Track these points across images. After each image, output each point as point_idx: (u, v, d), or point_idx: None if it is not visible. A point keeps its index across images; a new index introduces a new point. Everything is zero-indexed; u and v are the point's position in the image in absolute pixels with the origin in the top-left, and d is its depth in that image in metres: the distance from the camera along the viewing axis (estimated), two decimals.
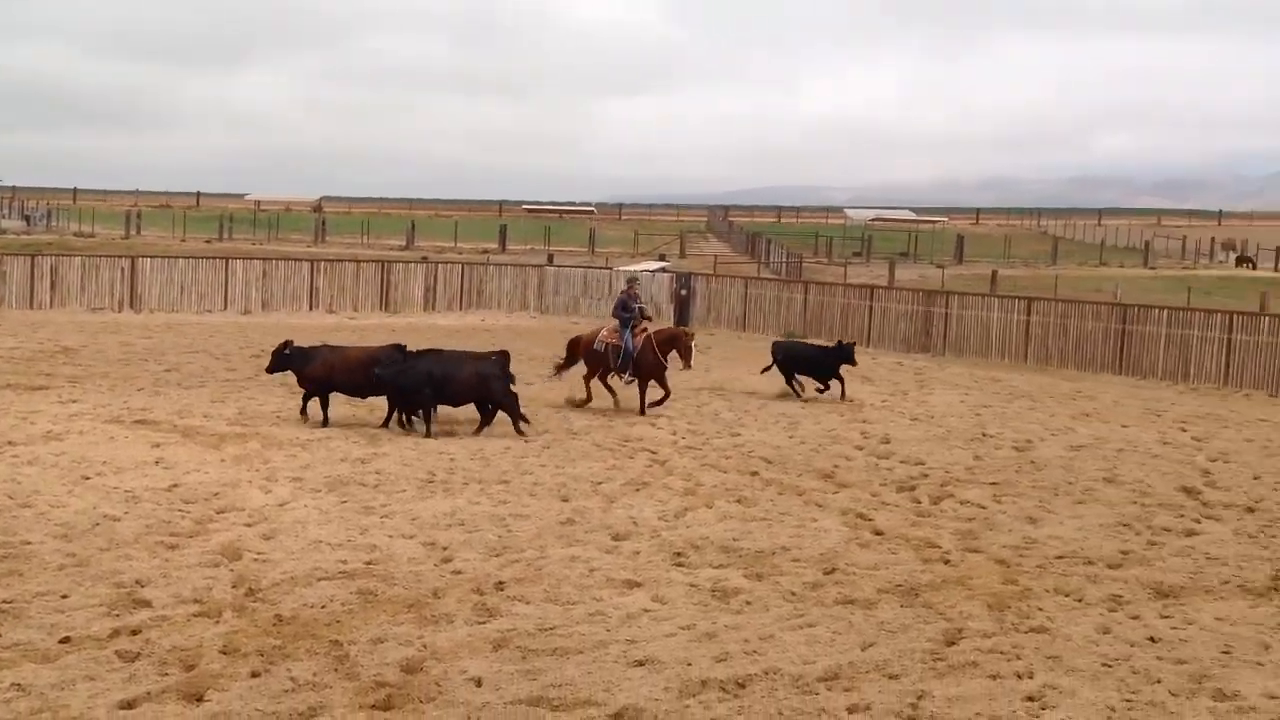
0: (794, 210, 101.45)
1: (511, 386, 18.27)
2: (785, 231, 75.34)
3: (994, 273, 45.71)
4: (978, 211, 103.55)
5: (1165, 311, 28.88)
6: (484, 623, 9.70)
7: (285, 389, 19.42)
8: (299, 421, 18.02)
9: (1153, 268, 63.18)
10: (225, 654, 8.85)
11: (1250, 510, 14.41)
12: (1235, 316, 27.56)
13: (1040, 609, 10.42)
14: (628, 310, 20.75)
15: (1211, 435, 19.83)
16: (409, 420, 17.90)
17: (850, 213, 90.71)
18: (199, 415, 18.52)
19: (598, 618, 9.91)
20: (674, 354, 20.17)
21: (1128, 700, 8.39)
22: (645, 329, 20.46)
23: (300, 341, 19.49)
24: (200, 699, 8.08)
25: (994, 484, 15.44)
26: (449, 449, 16.59)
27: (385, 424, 17.74)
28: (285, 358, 18.62)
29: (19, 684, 8.16)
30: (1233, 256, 68.83)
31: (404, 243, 65.18)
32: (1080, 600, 10.72)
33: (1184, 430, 20.28)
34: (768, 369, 22.98)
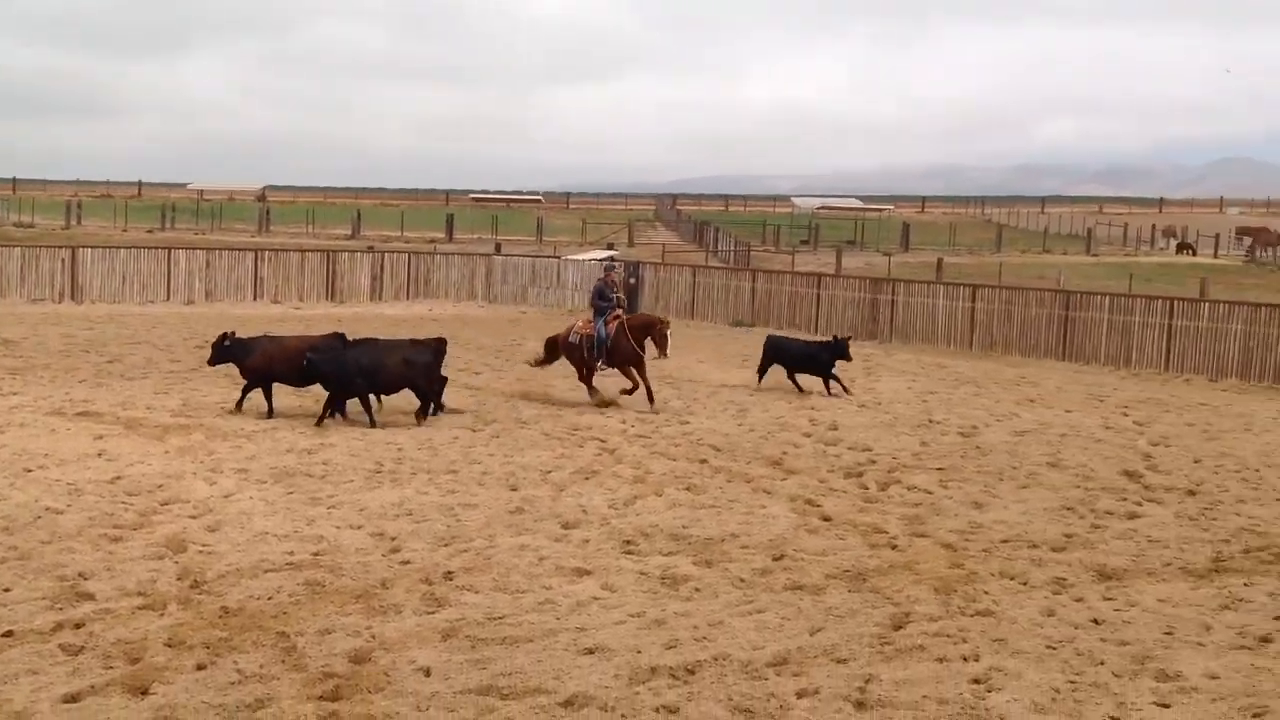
0: (741, 199, 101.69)
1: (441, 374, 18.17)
2: (733, 220, 75.49)
3: (939, 260, 46.01)
4: (923, 200, 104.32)
5: (1107, 298, 29.25)
6: (433, 612, 9.67)
7: (229, 380, 19.23)
8: (245, 414, 17.85)
9: (1095, 255, 63.90)
10: (170, 646, 8.77)
11: (1191, 493, 14.63)
12: (1176, 302, 27.94)
13: (986, 592, 10.53)
14: (605, 299, 20.29)
15: (1153, 420, 20.11)
16: (343, 410, 17.70)
17: (797, 201, 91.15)
18: (142, 407, 18.32)
19: (547, 606, 9.90)
20: (649, 342, 19.75)
21: (1072, 682, 8.49)
22: (619, 316, 20.01)
23: (245, 332, 19.33)
24: (145, 692, 8.00)
25: (940, 469, 15.57)
26: (397, 439, 16.50)
27: (319, 421, 17.29)
28: (225, 349, 18.44)
29: None
30: (1173, 243, 69.71)
31: (350, 232, 64.70)
32: (1025, 583, 10.84)
33: (1126, 415, 20.55)
34: (768, 365, 22.41)
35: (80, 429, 16.45)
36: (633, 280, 37.90)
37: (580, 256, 43.89)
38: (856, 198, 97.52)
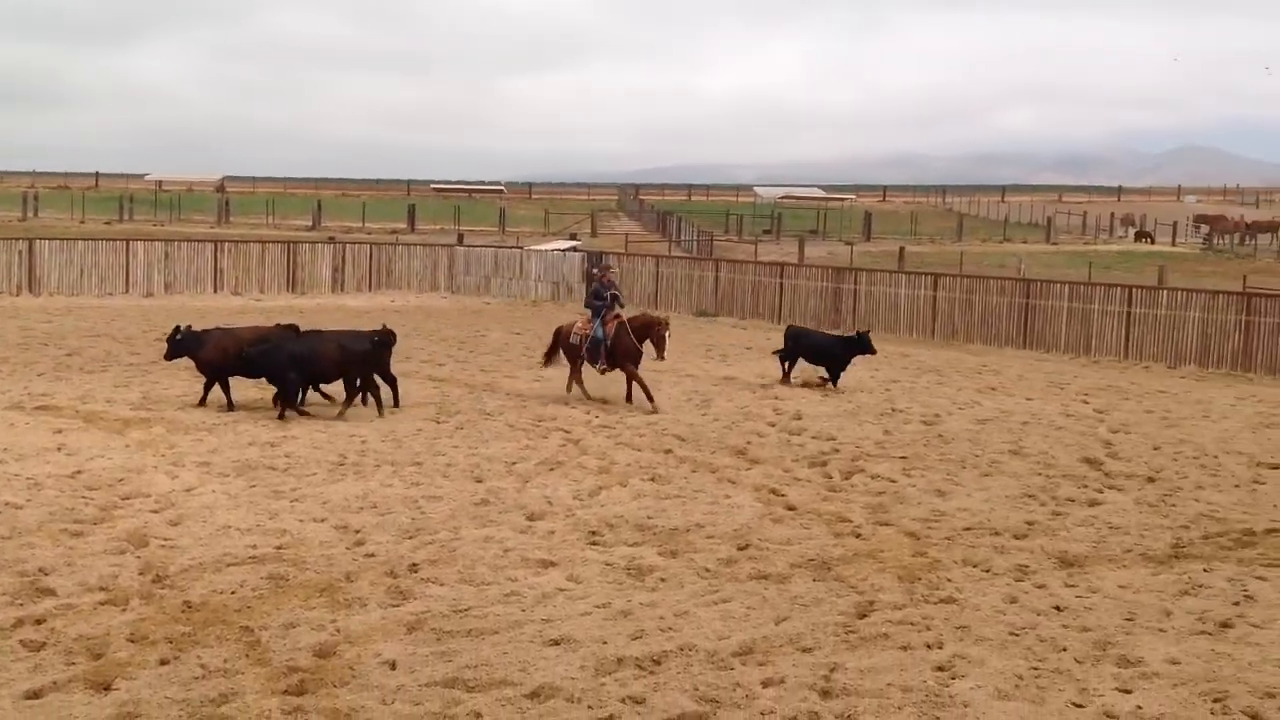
0: (704, 188, 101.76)
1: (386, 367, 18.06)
2: (696, 210, 75.58)
3: (901, 249, 46.25)
4: (884, 189, 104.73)
5: (1067, 286, 29.45)
6: (398, 605, 9.64)
7: (190, 373, 19.08)
8: (207, 407, 17.73)
9: (1054, 243, 64.41)
10: (133, 642, 8.70)
11: (1151, 480, 14.77)
12: (1134, 290, 28.17)
13: (949, 580, 10.60)
14: (600, 299, 19.76)
15: (1113, 407, 20.28)
16: (297, 402, 17.57)
17: (760, 191, 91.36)
18: (102, 400, 18.16)
19: (513, 598, 9.89)
20: (647, 343, 19.18)
21: (1034, 668, 8.57)
22: (618, 315, 19.50)
23: (206, 325, 19.19)
24: (108, 688, 7.93)
25: (903, 458, 15.65)
26: (360, 431, 16.43)
27: (281, 415, 17.20)
28: (179, 343, 18.31)
29: None
30: (1132, 231, 70.37)
31: (310, 223, 64.31)
32: (988, 571, 10.92)
33: (1086, 402, 20.72)
34: (780, 351, 22.20)
35: (39, 423, 16.28)
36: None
37: (543, 247, 43.80)
38: (819, 187, 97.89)
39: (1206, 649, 9.02)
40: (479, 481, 13.85)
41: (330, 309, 33.22)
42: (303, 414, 17.30)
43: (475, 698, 7.92)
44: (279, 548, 11.07)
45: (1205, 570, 11.07)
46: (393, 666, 8.37)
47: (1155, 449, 16.64)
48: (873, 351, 21.63)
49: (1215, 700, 8.08)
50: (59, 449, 14.77)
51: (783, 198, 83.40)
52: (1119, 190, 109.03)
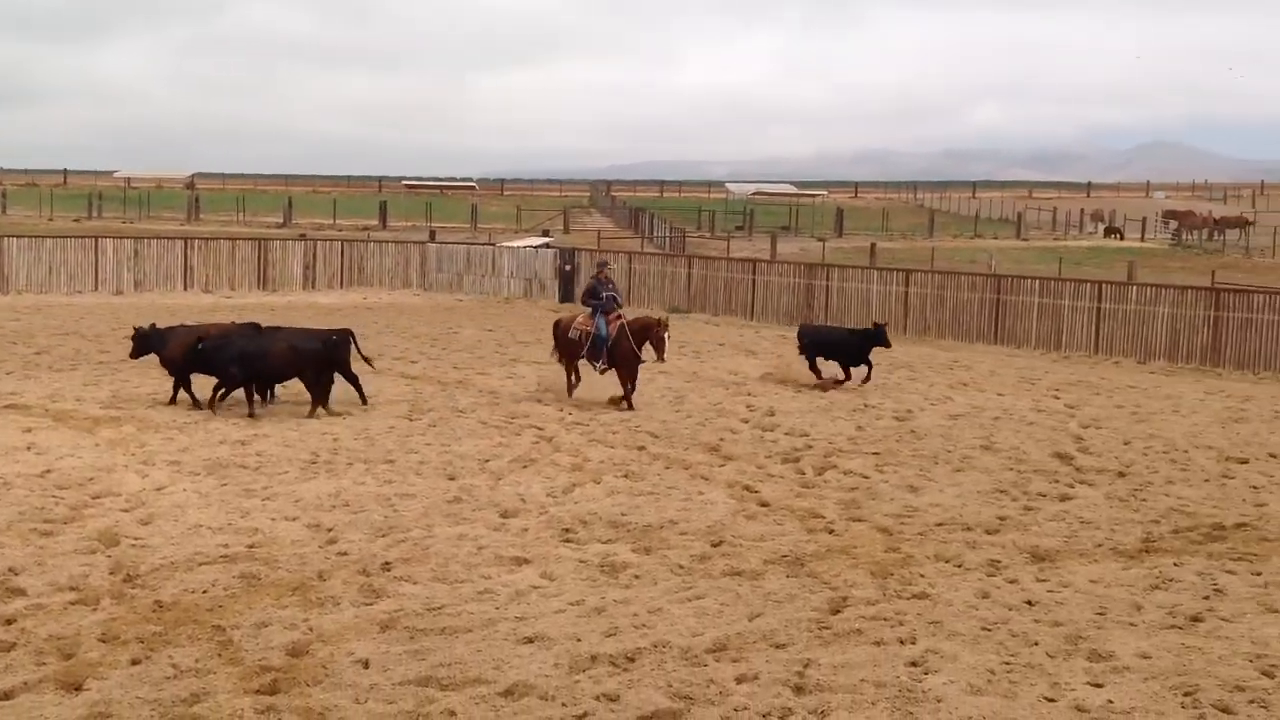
0: (676, 185, 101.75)
1: (347, 365, 17.95)
2: (668, 206, 75.54)
3: (873, 245, 46.33)
4: (856, 185, 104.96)
5: (1037, 282, 29.61)
6: (371, 604, 9.61)
7: (160, 371, 18.95)
8: (177, 406, 17.64)
9: (1025, 239, 64.68)
10: (104, 642, 8.65)
11: (1121, 475, 14.86)
12: (1104, 286, 28.34)
13: (922, 575, 10.64)
14: (596, 297, 19.48)
15: (1083, 402, 20.40)
16: (233, 396, 17.45)
17: (732, 187, 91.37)
18: (71, 399, 18.03)
19: (486, 596, 9.88)
20: (646, 346, 18.84)
21: (1007, 663, 8.61)
22: (620, 316, 19.24)
23: (180, 323, 19.09)
24: (79, 688, 7.89)
25: (876, 454, 15.70)
26: (332, 429, 16.36)
27: (251, 413, 17.10)
28: (144, 340, 18.20)
29: None
30: (1101, 227, 70.72)
31: (281, 220, 63.98)
32: (960, 566, 10.97)
33: (1057, 398, 20.83)
34: (807, 355, 21.62)
35: (8, 422, 16.15)
36: (568, 267, 37.85)
37: (515, 244, 43.72)
38: (791, 183, 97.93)
39: (1177, 643, 9.08)
40: (452, 479, 13.82)
41: (301, 306, 33.06)
42: (243, 406, 17.07)
43: (449, 696, 7.90)
44: (251, 546, 11.02)
45: (1175, 564, 11.16)
46: (366, 665, 8.35)
47: (1125, 444, 16.75)
48: (888, 345, 21.40)
49: (1185, 694, 8.15)
50: (28, 448, 14.66)
51: (755, 194, 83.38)
52: (1089, 186, 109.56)
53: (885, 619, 9.48)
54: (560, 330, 19.86)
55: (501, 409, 18.29)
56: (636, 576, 10.50)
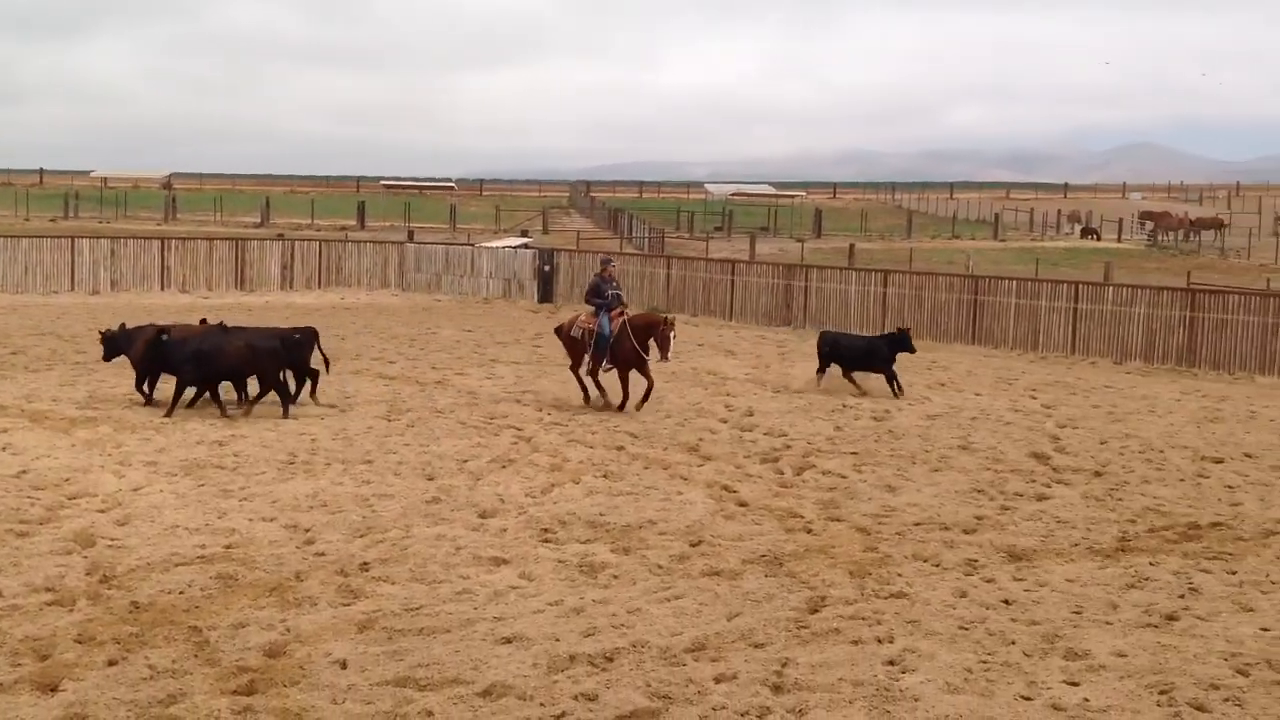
0: (656, 185, 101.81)
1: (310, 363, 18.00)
2: (647, 207, 75.62)
3: (851, 246, 46.46)
4: (835, 186, 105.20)
5: (1015, 283, 29.72)
6: (348, 604, 9.59)
7: (134, 371, 18.85)
8: (154, 406, 17.56)
9: (1002, 240, 64.93)
10: (80, 643, 8.61)
11: (1097, 474, 14.94)
12: (1081, 286, 28.48)
13: (899, 575, 10.68)
14: (600, 295, 18.90)
15: (1060, 402, 20.49)
16: (206, 398, 17.36)
17: (711, 188, 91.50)
18: (47, 399, 17.93)
19: (465, 596, 9.87)
20: (651, 344, 18.32)
21: (984, 661, 8.65)
22: (623, 314, 18.70)
23: (149, 323, 19.01)
24: (55, 689, 7.84)
25: (854, 454, 15.74)
26: (310, 430, 16.31)
27: (223, 412, 16.97)
28: (113, 341, 18.12)
29: None
30: (1078, 228, 71.04)
31: (259, 220, 63.76)
32: (938, 565, 11.01)
33: (1034, 398, 20.91)
34: (826, 364, 21.19)
35: None
36: (547, 268, 37.83)
37: (494, 244, 43.67)
38: (770, 184, 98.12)
39: (1152, 641, 9.14)
40: (430, 479, 13.79)
41: (279, 306, 32.96)
42: (221, 410, 17.04)
43: (427, 696, 7.89)
44: (228, 547, 10.98)
45: (1151, 563, 11.22)
46: (343, 666, 8.33)
47: (1102, 444, 16.83)
48: (913, 350, 21.16)
49: (1161, 692, 8.19)
50: (4, 448, 14.57)
51: (734, 195, 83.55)
52: (1066, 187, 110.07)
53: (863, 618, 9.51)
54: (563, 333, 19.36)
55: (480, 409, 18.27)
56: (615, 576, 10.51)
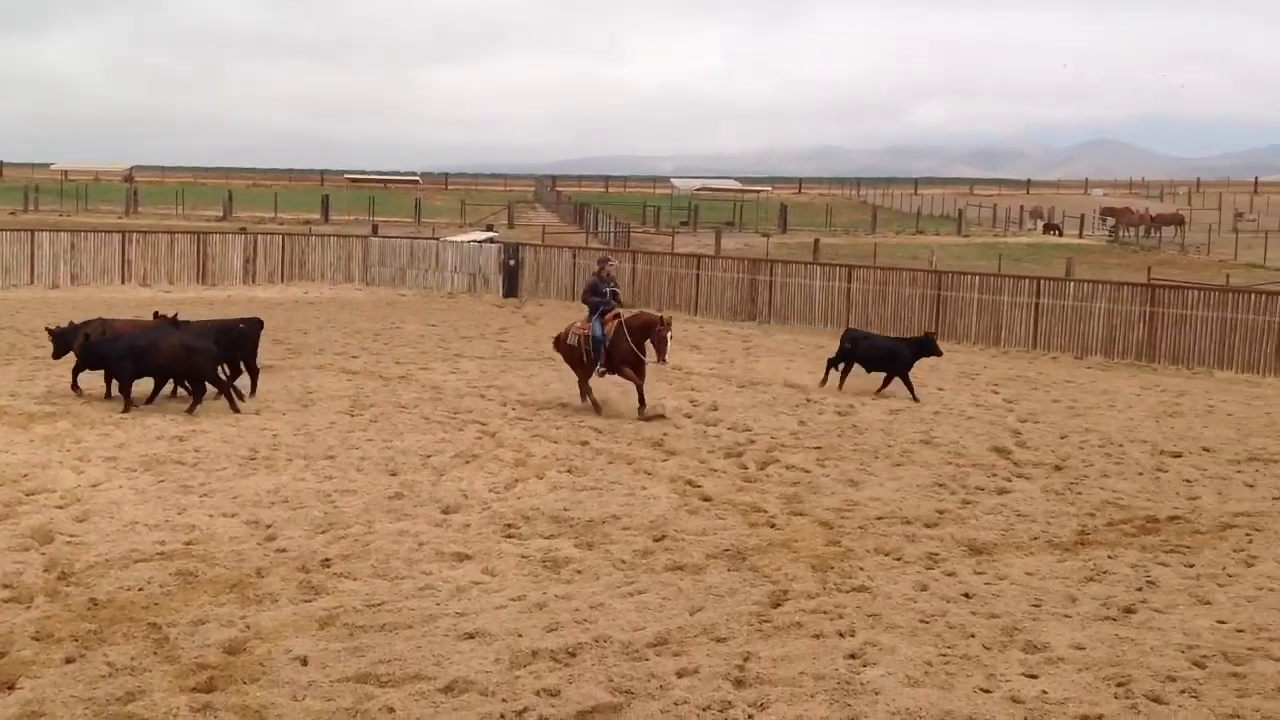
0: (621, 180, 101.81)
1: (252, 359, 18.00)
2: (613, 201, 75.58)
3: (816, 241, 46.62)
4: (800, 181, 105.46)
5: (977, 278, 29.91)
6: (310, 601, 9.54)
7: None
8: (114, 401, 17.41)
9: (966, 235, 65.30)
10: (38, 640, 8.53)
11: (1058, 469, 15.06)
12: (1043, 282, 28.71)
13: (861, 569, 10.73)
14: (598, 294, 18.31)
15: (1021, 397, 20.62)
16: (122, 393, 17.24)
17: (677, 182, 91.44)
18: (5, 394, 17.74)
19: (427, 592, 9.84)
20: (648, 345, 17.84)
21: (944, 654, 8.70)
22: (617, 314, 18.15)
23: (98, 317, 18.91)
24: (12, 687, 7.77)
25: (817, 448, 15.79)
26: (272, 425, 16.23)
27: (126, 408, 16.73)
28: (61, 337, 17.98)
29: None
30: (1041, 224, 71.50)
31: (221, 213, 63.32)
32: (899, 559, 11.07)
33: (996, 392, 21.05)
34: (834, 357, 20.89)
35: None
36: (512, 262, 37.75)
37: (459, 238, 43.54)
38: (735, 179, 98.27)
39: (1110, 634, 9.22)
40: (393, 475, 13.74)
41: (241, 301, 32.76)
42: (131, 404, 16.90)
43: (388, 693, 7.87)
44: (188, 543, 10.91)
45: (1110, 557, 11.32)
46: (304, 662, 8.29)
47: (1062, 438, 16.96)
48: (939, 353, 20.77)
49: (1119, 685, 8.26)
50: None
51: (699, 189, 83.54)
52: (1028, 183, 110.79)
53: (825, 612, 9.55)
54: (561, 345, 18.77)
55: (444, 404, 18.22)
56: (578, 571, 10.51)
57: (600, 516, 12.23)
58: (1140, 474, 14.91)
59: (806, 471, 14.49)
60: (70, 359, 17.93)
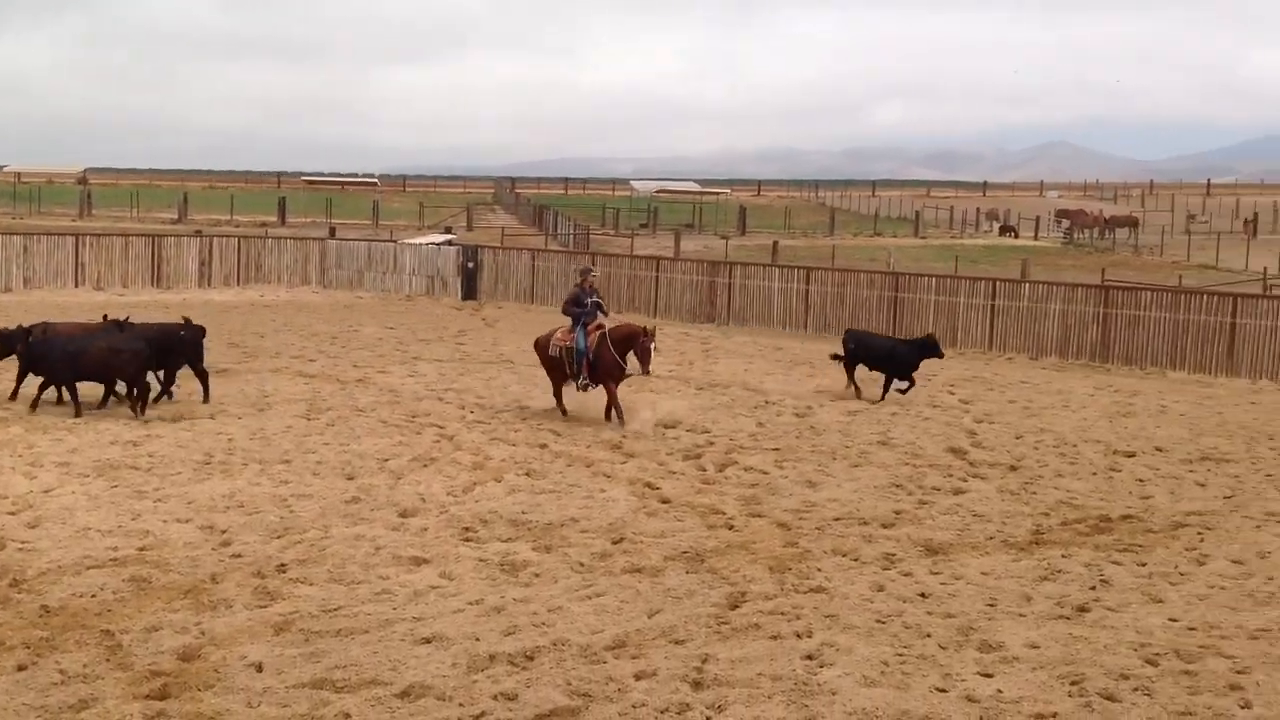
0: (580, 182, 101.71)
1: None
2: (572, 203, 75.51)
3: (775, 243, 46.79)
4: (759, 183, 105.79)
5: (934, 279, 30.11)
6: (265, 606, 9.48)
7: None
8: (66, 406, 17.22)
9: (923, 237, 65.66)
10: None
11: (1013, 469, 15.17)
12: (998, 283, 28.93)
13: (819, 569, 10.77)
14: (580, 305, 18.04)
15: (977, 397, 20.76)
16: (61, 398, 17.08)
17: (636, 184, 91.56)
18: None
19: (384, 596, 9.80)
20: (630, 356, 17.54)
21: (900, 654, 8.75)
22: (600, 325, 17.90)
23: (42, 321, 18.73)
24: None
25: (776, 450, 15.84)
26: (227, 429, 16.10)
27: (76, 412, 16.62)
28: (7, 340, 17.79)
29: None
30: (997, 226, 72.01)
31: (176, 216, 62.76)
32: (856, 560, 11.12)
33: (952, 393, 21.17)
34: (838, 358, 20.82)
35: None
36: (471, 264, 37.65)
37: (418, 240, 43.36)
38: (694, 181, 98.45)
39: (1064, 633, 9.30)
40: (350, 479, 13.67)
41: (197, 304, 32.46)
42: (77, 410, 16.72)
43: (344, 698, 7.83)
44: (141, 549, 10.82)
45: (1064, 556, 11.42)
46: (259, 669, 8.23)
47: (1017, 438, 17.09)
48: (941, 355, 20.67)
49: (1073, 683, 8.34)
50: None
51: (659, 192, 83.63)
52: (985, 186, 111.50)
53: (783, 613, 9.59)
54: (539, 347, 18.48)
55: (402, 407, 18.14)
56: (537, 575, 10.49)
57: (559, 519, 12.22)
58: (1094, 474, 15.05)
59: (765, 473, 14.53)
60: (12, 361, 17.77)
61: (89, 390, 17.11)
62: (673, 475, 14.36)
